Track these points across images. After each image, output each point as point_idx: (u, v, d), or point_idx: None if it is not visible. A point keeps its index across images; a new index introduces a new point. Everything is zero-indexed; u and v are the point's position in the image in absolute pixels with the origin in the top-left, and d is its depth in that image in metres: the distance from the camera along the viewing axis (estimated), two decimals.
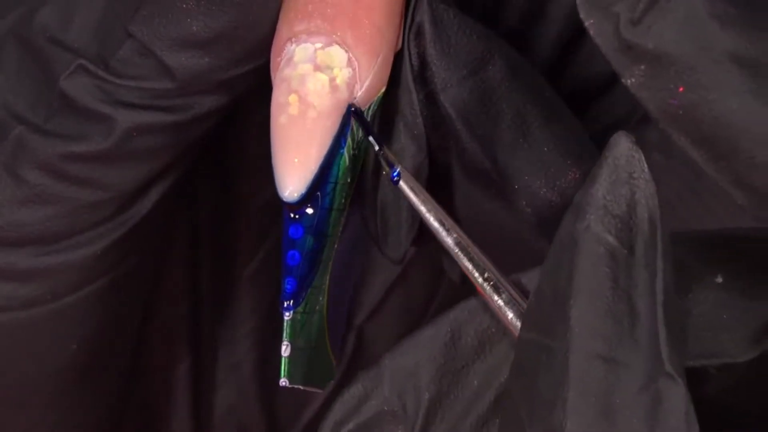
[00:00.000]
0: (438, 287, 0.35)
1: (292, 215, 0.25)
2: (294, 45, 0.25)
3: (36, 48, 0.26)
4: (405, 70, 0.26)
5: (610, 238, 0.20)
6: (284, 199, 0.25)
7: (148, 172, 0.27)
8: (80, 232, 0.27)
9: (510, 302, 0.23)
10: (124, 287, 0.29)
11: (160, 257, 0.31)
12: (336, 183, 0.25)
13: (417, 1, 0.25)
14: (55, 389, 0.29)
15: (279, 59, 0.25)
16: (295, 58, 0.25)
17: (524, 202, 0.27)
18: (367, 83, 0.25)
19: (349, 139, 0.25)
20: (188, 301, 0.32)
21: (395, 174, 0.25)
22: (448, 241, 0.24)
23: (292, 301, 0.25)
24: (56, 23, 0.26)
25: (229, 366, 0.33)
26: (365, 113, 0.25)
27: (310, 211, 0.25)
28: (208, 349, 0.33)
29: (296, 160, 0.25)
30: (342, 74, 0.25)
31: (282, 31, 0.25)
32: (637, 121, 0.30)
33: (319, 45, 0.25)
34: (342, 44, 0.25)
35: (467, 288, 0.34)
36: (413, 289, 0.34)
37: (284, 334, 0.25)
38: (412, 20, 0.25)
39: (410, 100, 0.26)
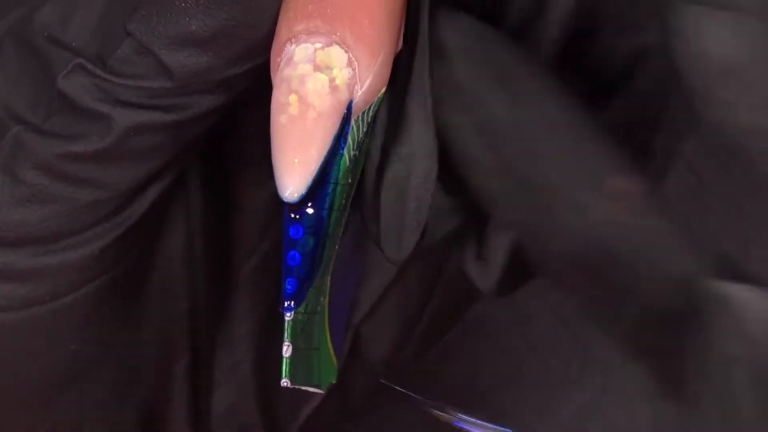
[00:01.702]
0: (435, 287, 0.35)
1: (292, 215, 0.25)
2: (294, 45, 0.25)
3: (35, 47, 0.26)
4: (422, 74, 0.25)
5: None
6: (285, 200, 0.25)
7: (147, 171, 0.27)
8: (79, 232, 0.27)
9: None
10: (123, 286, 0.29)
11: (157, 256, 0.31)
12: (337, 183, 0.25)
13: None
14: (54, 389, 0.29)
15: (279, 59, 0.25)
16: (295, 58, 0.25)
17: None
18: (367, 83, 0.25)
19: (349, 140, 0.25)
20: (186, 301, 0.32)
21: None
22: None
23: (293, 302, 0.25)
24: (55, 22, 0.26)
25: (227, 365, 0.33)
26: (365, 114, 0.25)
27: (310, 211, 0.25)
28: (206, 349, 0.33)
29: (296, 160, 0.25)
30: (342, 74, 0.25)
31: (281, 31, 0.25)
32: (651, 127, 0.30)
33: (318, 45, 0.25)
34: (342, 44, 0.25)
35: (465, 288, 0.34)
36: (410, 288, 0.34)
37: (285, 335, 0.25)
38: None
39: (424, 103, 0.26)
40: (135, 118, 0.25)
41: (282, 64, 0.25)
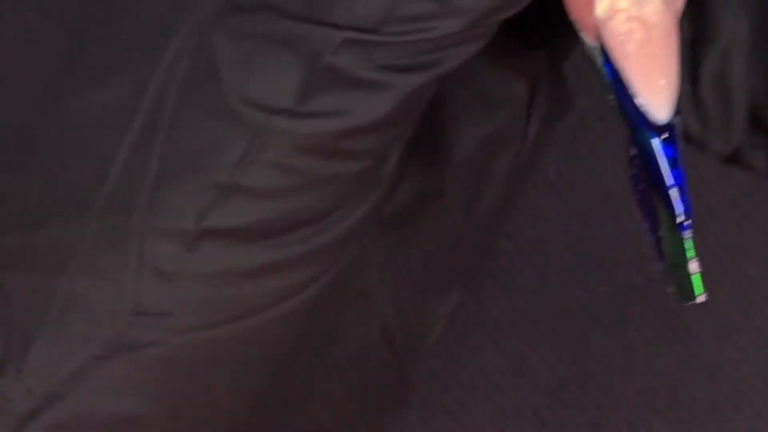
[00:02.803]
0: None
1: (664, 136, 0.25)
2: None
3: (268, 33, 0.25)
4: None
5: None
6: (659, 123, 0.25)
7: (405, 131, 0.26)
8: (344, 205, 0.26)
9: None
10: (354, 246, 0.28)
11: None
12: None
13: None
14: (281, 375, 0.29)
15: None
16: None
17: None
18: None
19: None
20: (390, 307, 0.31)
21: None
22: None
23: (688, 218, 0.25)
24: (300, 3, 0.25)
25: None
26: None
27: (673, 129, 0.25)
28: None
29: (661, 81, 0.25)
30: None
31: None
32: None
33: None
34: None
35: None
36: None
37: (688, 253, 0.25)
38: None
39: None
40: (412, 80, 0.25)
41: None
